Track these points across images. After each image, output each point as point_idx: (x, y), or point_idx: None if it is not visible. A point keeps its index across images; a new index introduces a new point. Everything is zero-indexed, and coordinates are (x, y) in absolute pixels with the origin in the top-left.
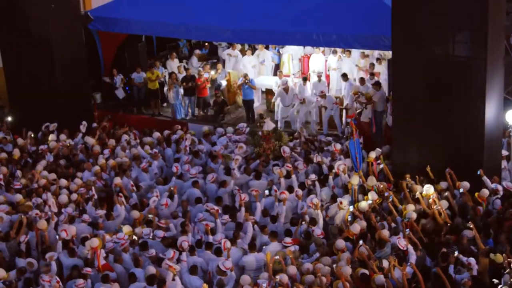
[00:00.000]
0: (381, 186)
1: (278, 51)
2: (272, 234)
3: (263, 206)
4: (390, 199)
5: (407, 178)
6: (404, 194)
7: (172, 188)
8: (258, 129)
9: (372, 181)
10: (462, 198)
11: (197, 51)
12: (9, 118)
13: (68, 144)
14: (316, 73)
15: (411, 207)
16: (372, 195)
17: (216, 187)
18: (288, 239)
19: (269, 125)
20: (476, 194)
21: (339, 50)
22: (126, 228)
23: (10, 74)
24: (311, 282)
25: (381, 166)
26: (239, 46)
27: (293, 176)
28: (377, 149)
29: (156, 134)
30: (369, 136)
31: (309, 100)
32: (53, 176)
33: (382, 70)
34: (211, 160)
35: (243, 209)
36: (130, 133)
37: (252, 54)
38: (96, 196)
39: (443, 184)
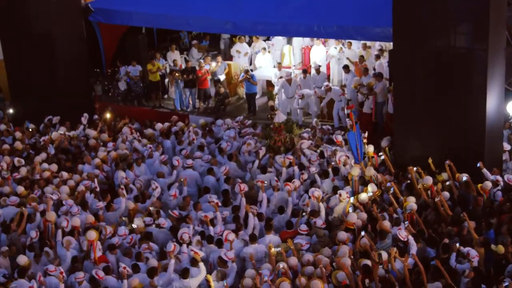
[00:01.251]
0: (380, 177)
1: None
2: (267, 226)
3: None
4: (392, 191)
5: (416, 168)
6: (411, 181)
7: (182, 180)
8: (269, 121)
9: (370, 171)
10: (463, 189)
11: (195, 42)
12: (11, 111)
13: (66, 135)
14: (314, 66)
15: (412, 198)
16: (371, 187)
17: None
18: (304, 227)
19: (280, 117)
20: (479, 185)
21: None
22: (139, 222)
23: (11, 68)
24: (311, 273)
25: (382, 157)
26: (242, 39)
27: (295, 168)
28: (383, 140)
29: (159, 126)
30: (370, 128)
31: (306, 93)
32: (54, 167)
33: (383, 61)
34: (219, 152)
35: (243, 199)
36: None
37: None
38: (98, 188)
39: (444, 175)
